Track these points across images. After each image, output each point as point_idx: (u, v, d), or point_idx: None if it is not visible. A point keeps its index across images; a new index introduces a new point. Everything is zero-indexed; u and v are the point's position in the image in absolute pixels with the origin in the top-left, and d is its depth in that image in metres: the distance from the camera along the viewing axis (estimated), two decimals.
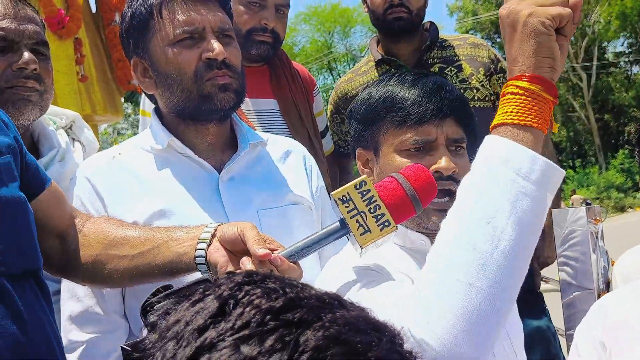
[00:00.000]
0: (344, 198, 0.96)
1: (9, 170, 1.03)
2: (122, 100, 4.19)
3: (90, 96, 3.73)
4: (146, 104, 2.25)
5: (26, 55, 1.39)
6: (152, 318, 0.52)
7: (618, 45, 33.49)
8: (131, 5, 1.35)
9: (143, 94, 2.31)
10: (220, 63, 1.30)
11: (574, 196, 20.68)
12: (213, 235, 1.04)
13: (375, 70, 2.23)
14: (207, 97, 1.30)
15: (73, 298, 1.30)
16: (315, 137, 2.10)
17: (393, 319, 0.88)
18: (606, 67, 32.13)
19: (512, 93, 0.90)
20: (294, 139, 1.74)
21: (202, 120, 1.35)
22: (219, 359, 0.44)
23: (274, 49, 2.06)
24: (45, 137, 1.55)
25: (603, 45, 32.35)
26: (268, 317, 0.46)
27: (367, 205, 0.96)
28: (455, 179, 1.14)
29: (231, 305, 0.47)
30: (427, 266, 0.91)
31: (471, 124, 1.23)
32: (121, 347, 0.81)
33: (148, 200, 1.30)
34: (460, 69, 2.14)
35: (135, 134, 1.66)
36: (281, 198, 1.40)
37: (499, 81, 2.18)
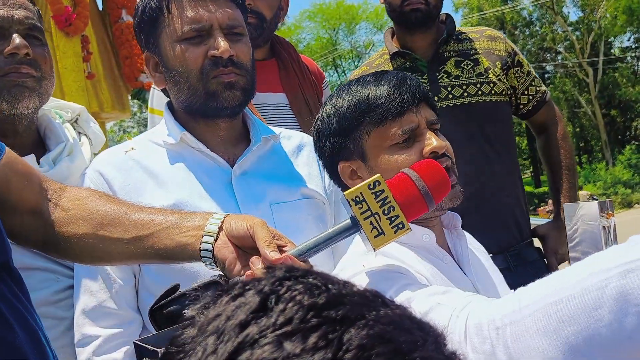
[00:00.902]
0: (357, 199, 0.93)
1: None
2: (130, 97, 4.19)
3: (98, 93, 3.74)
4: (154, 101, 2.24)
5: (17, 39, 1.35)
6: (190, 312, 0.51)
7: (624, 40, 33.34)
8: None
9: (151, 91, 2.30)
10: (227, 61, 1.29)
11: (581, 192, 20.60)
12: (220, 229, 0.99)
13: (390, 63, 2.19)
14: (213, 95, 1.30)
15: (86, 292, 1.30)
16: None
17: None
18: (612, 63, 31.97)
19: None
20: (304, 133, 1.73)
21: (210, 117, 1.35)
22: (261, 355, 0.42)
23: (261, 29, 2.01)
24: (52, 131, 1.52)
25: (609, 40, 32.19)
26: (311, 313, 0.44)
27: (381, 207, 0.93)
28: (448, 156, 1.17)
29: (273, 301, 0.46)
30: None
31: (436, 106, 1.24)
32: (134, 342, 0.80)
33: (161, 195, 1.30)
34: (477, 62, 2.11)
35: (141, 132, 1.64)
36: (294, 192, 1.40)
37: (516, 74, 2.16)
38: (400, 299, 0.95)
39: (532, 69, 2.22)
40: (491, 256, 1.97)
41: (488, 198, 2.02)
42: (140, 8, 1.35)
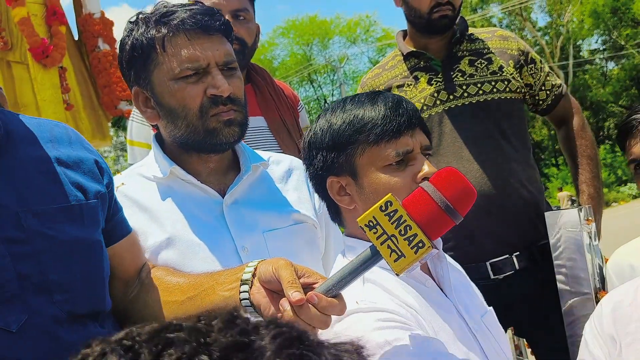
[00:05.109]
0: (371, 223, 0.89)
1: (93, 215, 1.08)
2: (110, 125, 4.18)
3: (77, 124, 3.74)
4: (133, 134, 2.23)
5: None
6: None
7: (592, 43, 34.03)
8: (130, 35, 1.31)
9: (129, 124, 2.29)
10: (225, 98, 1.29)
11: (561, 193, 20.88)
12: (253, 275, 1.02)
13: (404, 64, 2.22)
14: (212, 132, 1.30)
15: None
16: None
17: None
18: (582, 65, 32.58)
19: None
20: (286, 153, 1.74)
21: (206, 152, 1.35)
22: None
23: (243, 55, 2.05)
24: None
25: (578, 43, 32.83)
26: None
27: (396, 228, 0.88)
28: None
29: None
30: None
31: (430, 133, 1.25)
32: None
33: (154, 230, 1.30)
34: (490, 61, 2.13)
35: (118, 156, 1.64)
36: (286, 218, 1.40)
37: (531, 72, 2.18)
38: None
39: (545, 65, 2.25)
40: (517, 254, 1.99)
41: (509, 194, 2.03)
42: (129, 44, 1.31)
